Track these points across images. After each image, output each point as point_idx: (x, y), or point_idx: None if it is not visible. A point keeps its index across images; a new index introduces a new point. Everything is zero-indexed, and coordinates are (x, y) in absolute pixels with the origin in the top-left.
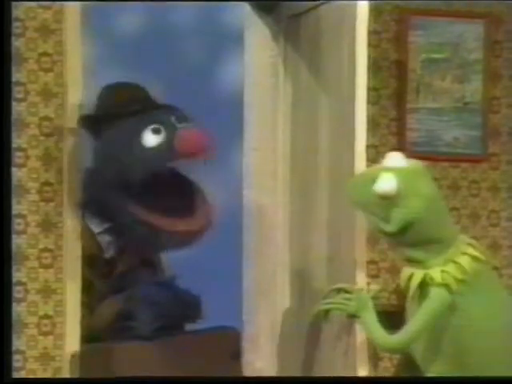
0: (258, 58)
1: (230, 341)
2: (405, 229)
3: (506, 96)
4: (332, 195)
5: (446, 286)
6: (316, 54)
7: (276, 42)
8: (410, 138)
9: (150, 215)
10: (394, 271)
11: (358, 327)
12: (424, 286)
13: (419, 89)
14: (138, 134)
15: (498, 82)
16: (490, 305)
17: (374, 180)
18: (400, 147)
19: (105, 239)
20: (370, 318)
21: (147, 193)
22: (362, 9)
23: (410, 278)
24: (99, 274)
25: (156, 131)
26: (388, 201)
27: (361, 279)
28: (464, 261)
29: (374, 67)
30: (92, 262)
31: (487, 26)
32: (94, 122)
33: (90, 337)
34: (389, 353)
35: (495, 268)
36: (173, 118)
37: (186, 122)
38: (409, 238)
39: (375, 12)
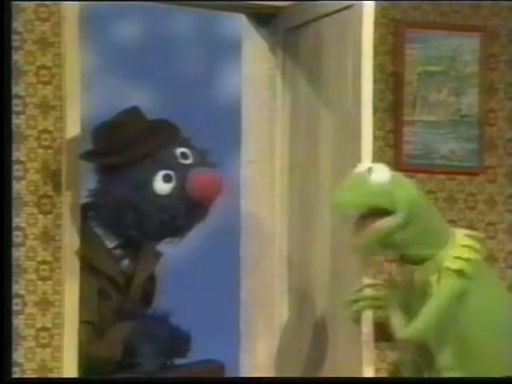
0: (255, 70)
1: (215, 375)
2: (409, 217)
3: (502, 109)
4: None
5: (460, 271)
6: (316, 67)
7: (273, 54)
8: (406, 151)
9: None
10: None
11: (363, 331)
12: (434, 277)
13: (415, 101)
14: (149, 182)
15: (493, 95)
16: (492, 296)
17: (363, 182)
18: (396, 160)
19: (118, 253)
20: (393, 310)
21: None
22: (367, 20)
23: (415, 272)
24: (118, 287)
25: (167, 179)
26: (386, 187)
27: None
28: (466, 253)
29: None
30: (110, 276)
31: (483, 39)
32: (97, 159)
33: (92, 364)
34: (406, 343)
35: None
36: (178, 155)
37: (191, 157)
38: (410, 234)
39: None
